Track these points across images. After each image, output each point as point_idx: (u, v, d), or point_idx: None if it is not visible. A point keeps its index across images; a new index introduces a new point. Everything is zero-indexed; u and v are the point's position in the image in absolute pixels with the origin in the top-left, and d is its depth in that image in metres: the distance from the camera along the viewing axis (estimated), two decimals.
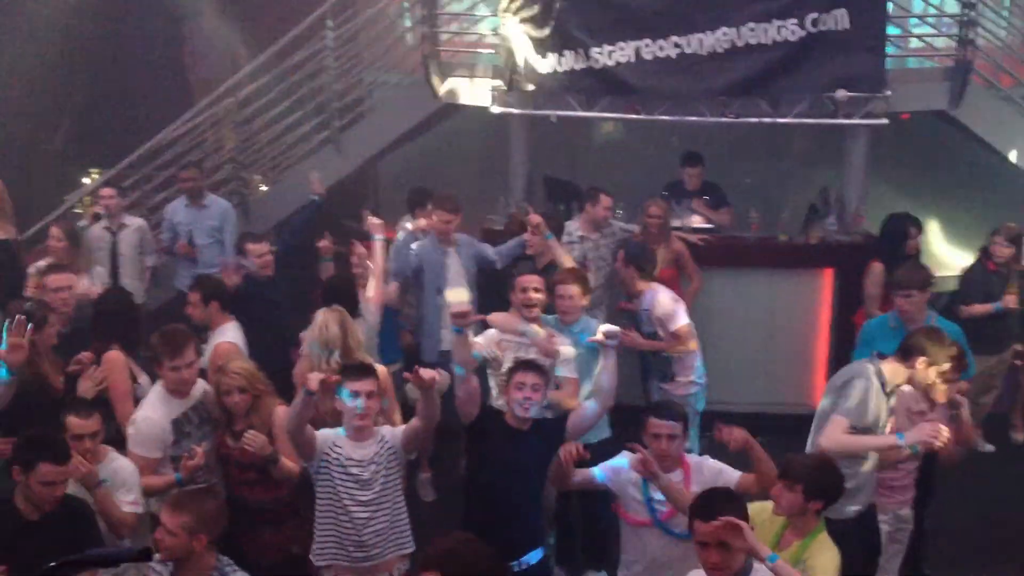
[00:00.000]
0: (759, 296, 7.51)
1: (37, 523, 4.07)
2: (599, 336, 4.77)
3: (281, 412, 4.74)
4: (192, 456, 4.59)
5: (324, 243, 6.78)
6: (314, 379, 4.29)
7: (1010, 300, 6.57)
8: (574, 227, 6.97)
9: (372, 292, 6.10)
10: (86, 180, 9.26)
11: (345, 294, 5.76)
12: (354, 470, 4.41)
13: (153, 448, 4.63)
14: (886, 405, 4.70)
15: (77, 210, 8.75)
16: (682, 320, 5.97)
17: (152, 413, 4.67)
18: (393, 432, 4.55)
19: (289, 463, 4.67)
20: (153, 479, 4.63)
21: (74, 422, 4.41)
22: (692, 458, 4.54)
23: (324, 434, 4.49)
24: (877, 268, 6.60)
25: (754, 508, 4.03)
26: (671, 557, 4.41)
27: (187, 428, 4.74)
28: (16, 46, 9.17)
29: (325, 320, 5.25)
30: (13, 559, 3.91)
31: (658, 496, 4.39)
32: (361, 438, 4.46)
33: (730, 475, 4.42)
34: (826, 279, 7.50)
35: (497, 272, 6.47)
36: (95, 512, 4.33)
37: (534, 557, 4.64)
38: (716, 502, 3.58)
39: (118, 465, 4.54)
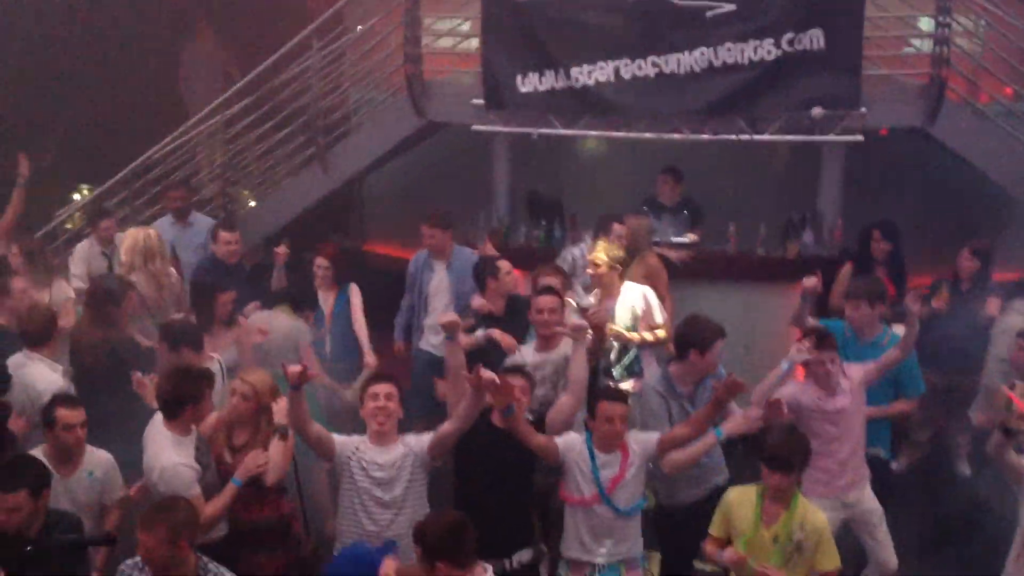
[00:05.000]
0: (736, 310, 7.57)
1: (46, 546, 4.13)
2: (568, 328, 5.11)
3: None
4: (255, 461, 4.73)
5: (281, 249, 7.11)
6: (292, 372, 4.44)
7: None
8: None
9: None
10: (76, 196, 9.39)
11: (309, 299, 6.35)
12: (376, 473, 4.56)
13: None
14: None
15: (67, 225, 8.87)
16: (663, 315, 6.13)
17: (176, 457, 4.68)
18: (418, 439, 4.68)
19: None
20: (217, 500, 4.68)
21: (64, 414, 4.61)
22: (625, 436, 4.79)
23: (346, 438, 4.67)
24: (845, 269, 6.89)
25: (735, 492, 4.58)
26: (615, 526, 4.70)
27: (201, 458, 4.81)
28: (6, 61, 9.28)
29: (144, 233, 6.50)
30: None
31: (605, 471, 4.63)
32: (383, 441, 4.61)
33: (651, 440, 4.80)
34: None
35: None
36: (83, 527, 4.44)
37: (524, 555, 4.85)
38: None
39: (99, 457, 4.81)
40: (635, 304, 6.11)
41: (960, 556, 5.71)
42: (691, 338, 5.15)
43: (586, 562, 4.75)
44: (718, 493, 4.87)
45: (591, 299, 6.20)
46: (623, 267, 6.17)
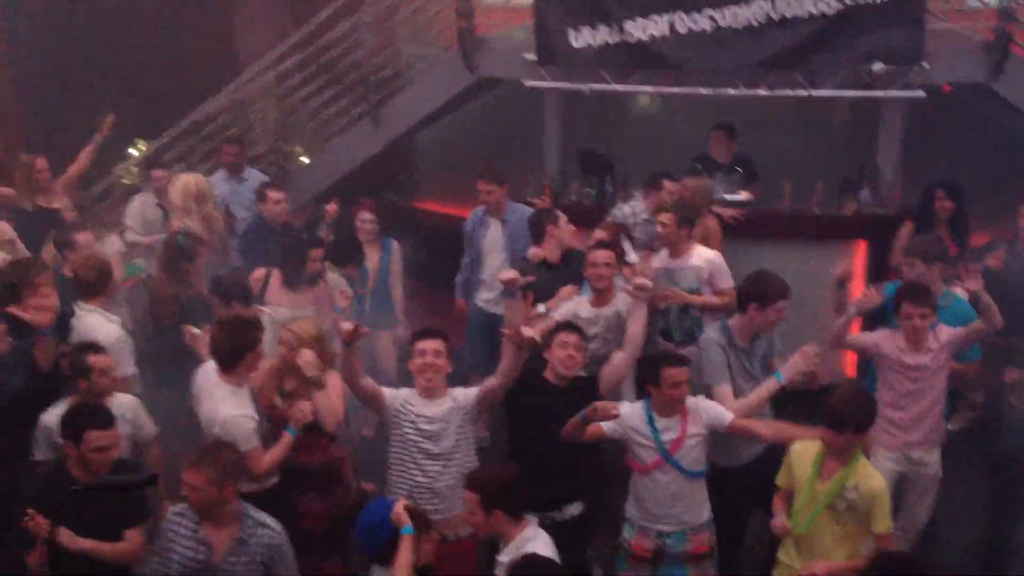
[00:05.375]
0: (792, 268, 7.40)
1: (90, 486, 4.20)
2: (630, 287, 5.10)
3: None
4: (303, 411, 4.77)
5: (331, 207, 7.21)
6: (344, 330, 4.47)
7: None
8: (640, 208, 6.98)
9: None
10: (132, 151, 9.48)
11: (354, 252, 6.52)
12: (425, 426, 4.64)
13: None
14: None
15: (124, 180, 8.98)
16: (730, 280, 6.03)
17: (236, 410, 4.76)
18: (466, 393, 4.76)
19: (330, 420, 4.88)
20: (275, 449, 4.75)
21: (96, 360, 4.71)
22: (688, 401, 4.75)
23: (396, 391, 4.76)
24: (906, 228, 6.75)
25: (800, 444, 4.53)
26: (681, 492, 4.69)
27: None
28: (62, 15, 9.36)
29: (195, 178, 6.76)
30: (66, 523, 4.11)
31: (666, 435, 4.62)
32: (432, 396, 4.69)
33: (723, 416, 4.73)
34: (859, 251, 7.48)
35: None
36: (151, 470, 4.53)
37: (575, 509, 4.89)
38: None
39: (125, 399, 4.92)
40: (701, 267, 6.01)
41: (1009, 518, 5.65)
42: (753, 292, 5.14)
43: (653, 528, 4.75)
44: (773, 452, 4.84)
45: (635, 256, 6.13)
46: (691, 227, 6.09)
